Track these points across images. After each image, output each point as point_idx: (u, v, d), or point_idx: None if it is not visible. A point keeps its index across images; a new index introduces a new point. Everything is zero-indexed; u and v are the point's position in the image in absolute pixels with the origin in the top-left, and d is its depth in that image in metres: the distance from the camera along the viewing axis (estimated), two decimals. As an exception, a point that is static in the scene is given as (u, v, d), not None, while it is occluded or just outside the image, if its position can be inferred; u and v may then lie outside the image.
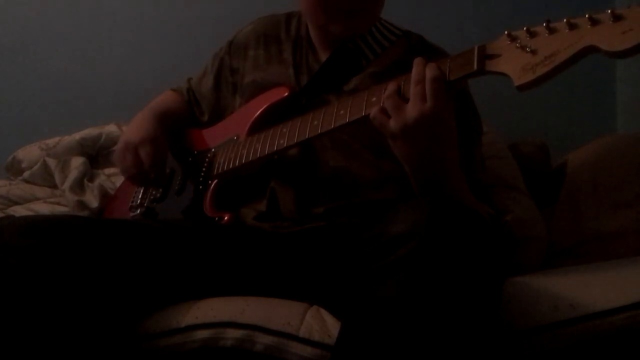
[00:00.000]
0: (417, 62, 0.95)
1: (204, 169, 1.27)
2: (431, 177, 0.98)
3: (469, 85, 1.25)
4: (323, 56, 1.27)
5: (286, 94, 1.24)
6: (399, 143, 0.96)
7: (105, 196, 1.61)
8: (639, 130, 1.63)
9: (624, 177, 1.43)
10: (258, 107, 1.26)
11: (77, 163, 1.73)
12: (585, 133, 1.77)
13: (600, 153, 1.52)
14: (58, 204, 1.68)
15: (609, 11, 0.78)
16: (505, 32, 0.88)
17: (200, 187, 1.25)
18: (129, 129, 1.33)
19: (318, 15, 1.20)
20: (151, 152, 1.25)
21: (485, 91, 1.30)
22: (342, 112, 1.03)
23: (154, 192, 1.34)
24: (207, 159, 1.28)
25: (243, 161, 1.18)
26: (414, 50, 1.23)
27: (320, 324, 0.99)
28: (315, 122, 1.07)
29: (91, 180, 1.71)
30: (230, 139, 1.26)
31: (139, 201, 1.36)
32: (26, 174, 1.78)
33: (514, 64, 0.85)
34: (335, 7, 1.17)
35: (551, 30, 0.83)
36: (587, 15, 0.80)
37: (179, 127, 1.40)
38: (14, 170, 1.82)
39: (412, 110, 0.92)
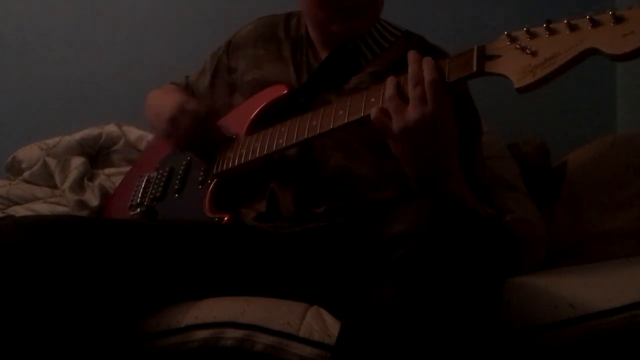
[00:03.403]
0: (413, 59, 0.94)
1: (203, 168, 1.27)
2: (431, 178, 0.98)
3: (469, 86, 1.25)
4: (323, 55, 1.27)
5: (285, 91, 1.23)
6: (400, 144, 0.96)
7: (105, 195, 1.61)
8: (639, 130, 1.63)
9: (624, 177, 1.43)
10: (256, 105, 1.26)
11: (77, 163, 1.73)
12: (585, 133, 1.77)
13: (600, 153, 1.52)
14: (58, 204, 1.68)
15: (610, 12, 0.77)
16: (505, 33, 0.88)
17: (200, 186, 1.25)
18: (159, 107, 1.29)
19: (319, 14, 1.20)
20: (196, 104, 1.24)
21: (486, 91, 1.31)
22: (340, 112, 1.03)
23: (153, 191, 1.34)
24: (206, 158, 1.28)
25: (242, 161, 1.18)
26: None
27: (320, 324, 0.98)
28: (314, 122, 1.06)
29: (91, 180, 1.71)
30: (229, 138, 1.26)
31: (138, 200, 1.36)
32: (26, 174, 1.78)
33: (514, 65, 0.84)
34: (336, 6, 1.17)
35: (551, 32, 0.83)
36: (587, 17, 0.79)
37: None
38: (14, 170, 1.82)
39: (412, 112, 0.92)
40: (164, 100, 1.29)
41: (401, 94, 0.95)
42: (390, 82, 0.96)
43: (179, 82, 1.50)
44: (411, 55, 0.95)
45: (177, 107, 1.23)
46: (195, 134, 1.23)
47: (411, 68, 0.94)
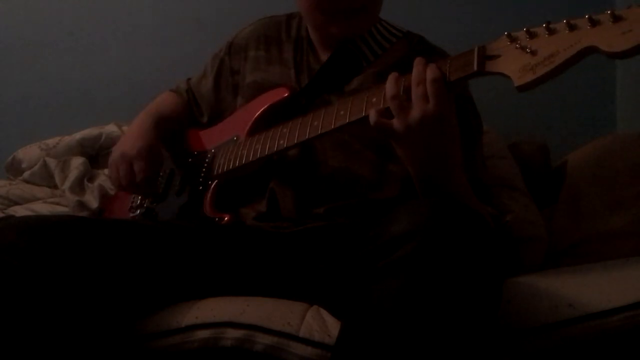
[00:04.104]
0: (418, 62, 0.95)
1: (203, 170, 1.27)
2: (435, 178, 0.98)
3: (469, 85, 1.25)
4: (324, 57, 1.27)
5: (286, 94, 1.23)
6: (403, 144, 0.96)
7: (105, 196, 1.61)
8: (639, 130, 1.63)
9: (624, 177, 1.43)
10: (258, 107, 1.26)
11: (77, 163, 1.74)
12: (585, 133, 1.77)
13: (600, 153, 1.52)
14: (58, 204, 1.68)
15: (609, 12, 0.77)
16: (505, 33, 0.88)
17: (200, 187, 1.25)
18: (126, 138, 1.32)
19: (317, 16, 1.20)
20: (145, 168, 1.24)
21: (486, 91, 1.31)
22: (342, 112, 1.03)
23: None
24: (207, 160, 1.28)
25: (243, 162, 1.18)
26: (414, 51, 1.23)
27: (320, 324, 0.99)
28: (316, 123, 1.06)
29: (91, 180, 1.71)
30: (230, 140, 1.26)
31: (138, 201, 1.36)
32: (26, 174, 1.78)
33: (514, 64, 0.85)
34: (334, 8, 1.17)
35: (551, 31, 0.83)
36: (586, 16, 0.79)
37: (178, 129, 1.40)
38: (14, 170, 1.82)
39: (415, 111, 0.92)
40: (129, 135, 1.33)
41: (403, 94, 0.95)
42: (391, 80, 0.96)
43: (179, 87, 1.48)
44: (417, 59, 0.96)
45: (121, 155, 1.27)
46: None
47: (415, 69, 0.94)
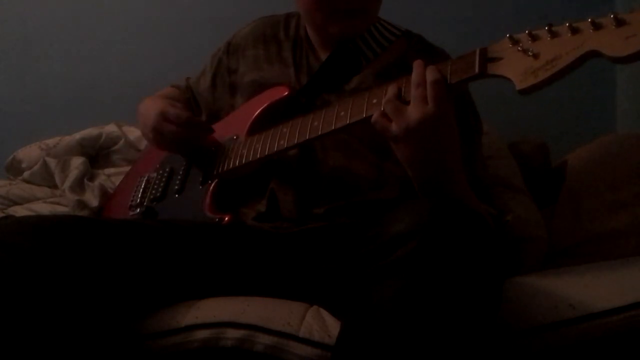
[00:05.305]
0: (417, 64, 0.95)
1: (203, 169, 1.27)
2: (434, 179, 0.98)
3: (469, 85, 1.25)
4: (323, 56, 1.27)
5: (286, 93, 1.23)
6: (402, 146, 0.95)
7: (105, 195, 1.61)
8: (639, 130, 1.63)
9: (624, 177, 1.43)
10: (257, 106, 1.26)
11: (77, 163, 1.73)
12: (585, 133, 1.77)
13: (600, 153, 1.52)
14: (58, 204, 1.68)
15: (612, 15, 0.77)
16: (507, 35, 0.87)
17: (201, 186, 1.25)
18: (145, 116, 1.32)
19: (316, 16, 1.21)
20: (177, 109, 1.27)
21: (485, 91, 1.30)
22: (342, 113, 1.03)
23: (153, 192, 1.34)
24: (206, 159, 1.28)
25: (243, 161, 1.18)
26: (414, 50, 1.24)
27: (320, 324, 0.99)
28: (316, 123, 1.06)
29: (91, 180, 1.71)
30: (230, 139, 1.26)
31: (138, 200, 1.36)
32: (26, 174, 1.78)
33: (516, 67, 0.84)
34: (333, 8, 1.17)
35: (553, 34, 0.83)
36: (589, 20, 0.79)
37: None
38: (14, 170, 1.82)
39: (413, 113, 0.92)
40: (149, 109, 1.32)
41: (401, 97, 0.95)
42: (391, 85, 0.97)
43: (179, 84, 1.50)
44: (416, 62, 0.96)
45: (158, 115, 1.26)
46: (181, 138, 1.26)
47: (415, 71, 0.94)
